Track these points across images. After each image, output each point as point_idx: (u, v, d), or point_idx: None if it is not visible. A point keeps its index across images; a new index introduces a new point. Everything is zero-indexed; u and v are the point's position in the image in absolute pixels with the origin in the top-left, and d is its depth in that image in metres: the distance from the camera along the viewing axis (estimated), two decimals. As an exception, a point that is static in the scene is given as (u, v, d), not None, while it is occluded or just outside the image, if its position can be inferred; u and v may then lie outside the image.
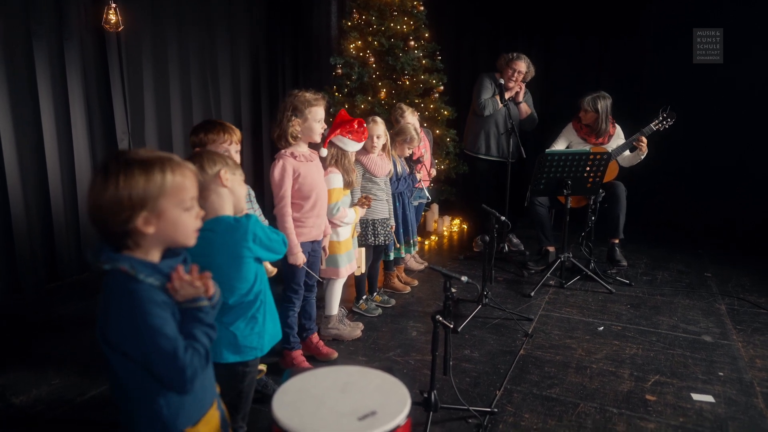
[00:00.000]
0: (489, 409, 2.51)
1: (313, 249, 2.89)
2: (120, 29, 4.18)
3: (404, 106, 4.12)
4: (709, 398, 2.66)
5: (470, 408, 2.45)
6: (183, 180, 1.31)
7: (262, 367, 2.79)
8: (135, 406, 1.33)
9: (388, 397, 1.47)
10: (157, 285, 1.29)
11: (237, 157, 2.39)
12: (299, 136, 2.72)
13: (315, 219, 2.81)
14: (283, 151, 2.73)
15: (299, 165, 2.71)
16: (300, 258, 2.73)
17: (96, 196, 1.24)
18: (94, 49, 4.21)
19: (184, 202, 1.32)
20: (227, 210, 1.86)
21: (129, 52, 4.42)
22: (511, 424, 2.44)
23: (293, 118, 2.69)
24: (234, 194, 1.88)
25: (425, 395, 2.36)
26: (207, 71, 5.17)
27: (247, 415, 2.17)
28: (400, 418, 1.38)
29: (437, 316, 2.25)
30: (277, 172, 2.68)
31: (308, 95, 2.70)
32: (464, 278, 2.44)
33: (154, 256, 1.33)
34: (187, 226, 1.34)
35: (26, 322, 3.51)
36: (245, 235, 1.83)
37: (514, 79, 4.73)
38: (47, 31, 3.88)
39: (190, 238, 1.36)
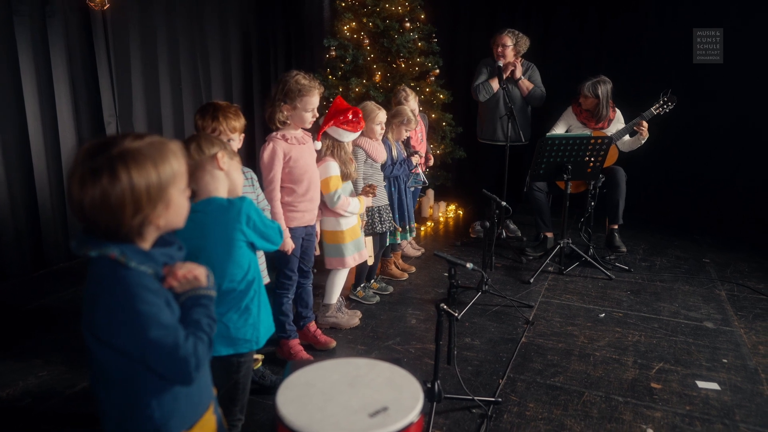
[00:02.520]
0: (493, 399, 2.45)
1: (307, 234, 2.81)
2: (106, 7, 4.03)
3: (408, 90, 4.03)
4: (715, 386, 2.62)
5: (475, 398, 2.39)
6: (183, 165, 1.26)
7: (259, 356, 2.71)
8: (123, 407, 1.23)
9: (400, 391, 1.39)
10: (150, 273, 1.19)
11: (234, 146, 2.26)
12: (287, 122, 2.63)
13: (308, 203, 2.73)
14: (274, 133, 2.65)
15: (290, 148, 2.62)
16: (288, 244, 2.65)
17: (100, 193, 1.12)
18: (78, 28, 4.05)
19: (182, 186, 1.26)
20: (221, 192, 1.77)
21: (115, 32, 4.26)
22: (516, 414, 2.38)
23: (282, 103, 2.59)
24: (230, 178, 1.80)
25: (428, 385, 2.29)
26: (197, 53, 5.02)
27: (245, 407, 2.09)
28: (413, 414, 1.31)
29: (442, 305, 2.17)
30: (266, 154, 2.60)
31: (303, 81, 2.58)
32: (470, 265, 2.37)
33: (148, 243, 1.25)
34: (185, 209, 1.28)
35: (12, 311, 3.38)
36: (238, 216, 1.75)
37: (502, 54, 4.62)
38: (29, 9, 3.71)
39: (184, 220, 1.29)
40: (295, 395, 1.38)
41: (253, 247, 1.83)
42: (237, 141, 2.31)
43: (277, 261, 2.76)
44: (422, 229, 5.34)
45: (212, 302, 1.30)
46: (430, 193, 5.74)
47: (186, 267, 1.28)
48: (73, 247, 1.19)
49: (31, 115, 3.81)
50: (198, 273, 1.29)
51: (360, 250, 3.16)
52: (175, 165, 1.22)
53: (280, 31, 5.98)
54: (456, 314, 2.19)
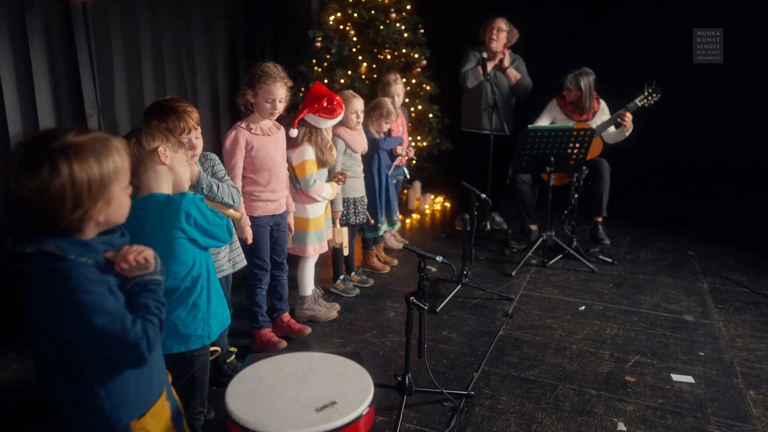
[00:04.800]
0: (465, 392, 2.45)
1: (275, 223, 2.80)
2: (86, -2, 3.98)
3: (397, 75, 4.08)
4: (689, 379, 2.62)
5: (444, 391, 2.38)
6: (126, 162, 1.25)
7: (232, 349, 2.70)
8: (72, 399, 1.23)
9: (351, 385, 1.38)
10: (90, 263, 1.18)
11: (199, 143, 2.21)
12: (250, 108, 2.65)
13: (270, 194, 2.73)
14: (239, 122, 2.67)
15: (253, 138, 2.63)
16: (246, 231, 2.63)
17: (39, 185, 1.11)
18: (58, 19, 3.99)
19: (125, 184, 1.26)
20: (163, 189, 1.73)
21: (96, 23, 4.21)
22: (488, 407, 2.38)
23: (247, 89, 2.62)
24: (174, 173, 1.76)
25: (399, 378, 2.29)
26: (181, 44, 4.97)
27: (206, 400, 2.07)
28: (362, 408, 1.30)
29: (411, 298, 2.16)
30: (228, 142, 2.62)
31: (266, 69, 2.58)
32: (439, 258, 2.35)
33: (89, 237, 1.23)
34: (126, 206, 1.28)
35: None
36: (176, 214, 1.69)
37: (496, 38, 4.60)
38: (6, -2, 3.67)
39: (124, 217, 1.28)
40: (245, 389, 1.37)
41: (198, 244, 1.77)
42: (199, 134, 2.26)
43: (244, 251, 2.74)
44: (408, 221, 5.32)
45: (160, 287, 1.30)
46: (417, 185, 5.72)
47: (135, 249, 1.27)
48: (9, 243, 1.17)
49: (10, 107, 3.76)
50: (147, 255, 1.28)
51: (321, 242, 3.15)
52: (118, 161, 1.21)
53: (266, 22, 5.92)
54: (425, 306, 2.17)
